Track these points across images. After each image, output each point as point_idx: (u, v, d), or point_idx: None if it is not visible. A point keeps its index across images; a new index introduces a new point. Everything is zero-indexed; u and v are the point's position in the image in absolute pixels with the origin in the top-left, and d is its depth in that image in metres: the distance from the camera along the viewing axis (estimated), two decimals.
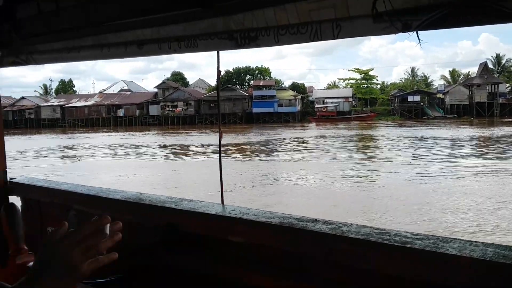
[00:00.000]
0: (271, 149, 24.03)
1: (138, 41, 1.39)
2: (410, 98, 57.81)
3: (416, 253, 0.91)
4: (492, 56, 69.58)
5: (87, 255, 0.71)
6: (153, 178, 14.68)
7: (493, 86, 55.67)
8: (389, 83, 76.53)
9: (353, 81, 63.73)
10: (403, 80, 77.09)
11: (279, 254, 1.14)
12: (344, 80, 66.21)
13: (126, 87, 74.19)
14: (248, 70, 71.03)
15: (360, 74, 63.02)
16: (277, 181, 13.63)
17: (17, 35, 1.71)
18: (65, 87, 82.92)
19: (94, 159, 21.49)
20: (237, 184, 12.69)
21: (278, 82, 70.29)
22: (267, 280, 1.16)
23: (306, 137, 33.28)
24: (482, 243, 0.91)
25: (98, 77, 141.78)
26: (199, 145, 27.44)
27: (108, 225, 0.75)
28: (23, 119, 62.26)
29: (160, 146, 27.89)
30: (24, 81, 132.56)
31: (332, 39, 1.00)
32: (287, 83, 72.46)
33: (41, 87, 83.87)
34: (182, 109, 60.22)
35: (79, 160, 20.53)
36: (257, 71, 71.55)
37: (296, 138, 32.10)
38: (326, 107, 60.36)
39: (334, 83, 78.74)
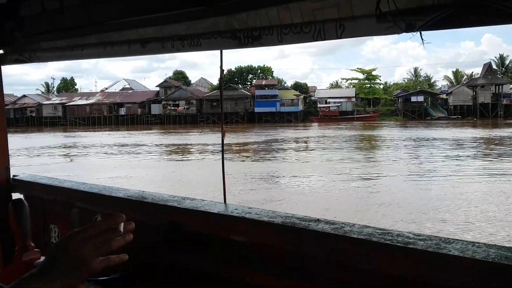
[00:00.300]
0: (271, 150, 23.88)
1: (141, 40, 1.39)
2: (413, 99, 57.65)
3: (418, 254, 0.91)
4: (495, 57, 69.42)
5: (98, 252, 0.72)
6: (148, 178, 14.46)
7: (497, 87, 55.44)
8: (391, 83, 76.41)
9: (356, 81, 63.59)
10: (406, 81, 76.91)
11: (281, 253, 1.14)
12: (347, 80, 66.10)
13: (128, 86, 74.27)
14: (250, 70, 71.03)
15: (363, 74, 62.90)
16: (275, 185, 13.37)
17: (20, 33, 1.72)
18: (67, 85, 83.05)
19: (89, 159, 21.40)
20: (232, 190, 12.29)
21: (280, 81, 70.22)
22: (269, 280, 1.16)
23: (308, 138, 33.20)
24: (484, 244, 0.91)
25: (101, 75, 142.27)
26: (197, 144, 27.37)
27: (122, 224, 0.75)
28: (24, 117, 62.21)
29: (157, 145, 27.73)
30: (27, 79, 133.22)
31: (335, 39, 1.00)
32: (289, 83, 72.46)
33: (43, 85, 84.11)
34: (184, 108, 60.24)
35: (70, 160, 20.42)
36: (259, 71, 71.52)
37: (297, 138, 32.02)
38: (329, 107, 60.29)
39: (337, 83, 78.64)
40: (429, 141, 27.12)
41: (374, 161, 18.40)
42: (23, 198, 1.44)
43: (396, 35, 0.91)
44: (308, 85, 70.49)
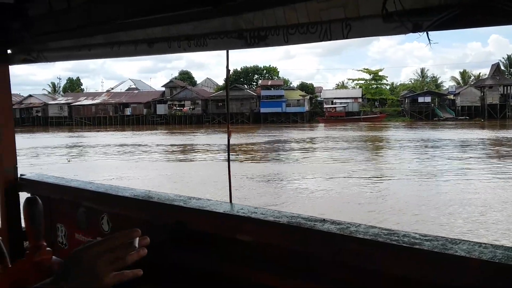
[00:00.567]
0: (276, 152, 23.70)
1: (148, 40, 1.40)
2: (420, 99, 57.31)
3: (424, 254, 0.91)
4: (503, 57, 68.63)
5: (113, 266, 0.72)
6: (148, 180, 14.37)
7: (505, 87, 54.84)
8: (398, 84, 75.94)
9: (362, 82, 63.28)
10: (413, 81, 76.39)
11: (286, 253, 1.14)
12: (354, 80, 65.82)
13: (133, 86, 74.62)
14: (256, 70, 71.04)
15: (370, 75, 62.60)
16: (279, 188, 13.20)
17: (28, 33, 1.74)
18: (73, 85, 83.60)
19: (88, 159, 21.47)
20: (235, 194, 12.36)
21: (286, 82, 70.16)
22: (274, 279, 1.16)
23: (314, 138, 33.00)
24: (491, 245, 0.91)
25: (107, 75, 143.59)
26: (201, 145, 27.30)
27: (137, 238, 0.76)
28: (30, 117, 62.57)
29: (159, 146, 27.67)
30: (34, 79, 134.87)
31: (341, 39, 0.99)
32: (295, 83, 72.42)
33: (50, 85, 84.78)
34: (190, 108, 60.44)
35: (68, 161, 20.42)
36: (265, 71, 71.50)
37: (303, 139, 31.83)
38: (335, 107, 60.13)
39: (343, 83, 78.46)
40: (440, 143, 26.62)
41: (383, 163, 18.05)
42: (37, 197, 1.44)
43: (402, 36, 0.91)
44: (314, 86, 70.25)
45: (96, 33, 1.55)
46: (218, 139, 32.81)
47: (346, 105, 59.79)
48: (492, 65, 58.48)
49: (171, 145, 28.49)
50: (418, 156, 20.55)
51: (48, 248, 1.38)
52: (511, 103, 53.47)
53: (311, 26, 1.03)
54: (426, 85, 70.39)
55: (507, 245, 0.90)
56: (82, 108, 63.12)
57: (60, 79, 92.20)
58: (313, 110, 62.03)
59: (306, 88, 65.73)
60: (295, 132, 40.35)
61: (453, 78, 73.55)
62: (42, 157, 22.04)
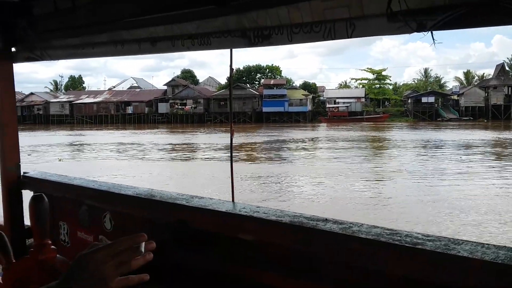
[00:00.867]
0: (277, 152, 23.40)
1: (152, 38, 1.40)
2: (424, 99, 57.06)
3: (427, 254, 0.91)
4: (507, 58, 68.31)
5: (118, 271, 0.71)
6: (143, 180, 14.12)
7: (510, 88, 54.52)
8: (401, 84, 75.71)
9: (365, 81, 63.07)
10: (416, 81, 76.12)
11: (288, 253, 1.14)
12: (357, 80, 65.64)
13: (135, 84, 74.56)
14: (258, 69, 70.92)
15: (373, 74, 62.37)
16: (278, 191, 12.79)
17: (32, 31, 1.75)
18: (75, 83, 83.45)
19: (82, 158, 21.30)
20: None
21: (289, 81, 70.02)
22: (276, 279, 1.16)
23: (316, 139, 32.79)
24: (494, 245, 0.90)
25: (110, 74, 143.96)
26: (196, 144, 26.97)
27: (144, 243, 0.76)
28: (31, 114, 62.36)
29: (160, 145, 27.44)
30: (36, 77, 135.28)
31: (345, 38, 0.99)
32: (297, 83, 72.26)
33: (52, 83, 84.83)
34: (191, 107, 60.33)
35: (60, 160, 20.22)
36: (267, 70, 71.37)
37: (303, 139, 31.57)
38: (338, 107, 59.99)
39: (346, 83, 78.29)
40: (448, 146, 25.67)
41: (387, 168, 17.19)
42: (43, 195, 1.44)
43: (405, 35, 0.91)
44: (316, 85, 70.09)
45: (100, 31, 1.55)
46: (217, 138, 32.59)
47: (349, 105, 59.61)
48: (497, 65, 58.18)
49: (175, 144, 28.29)
50: (423, 163, 19.14)
51: (52, 247, 1.38)
52: None
53: (315, 25, 1.03)
54: (430, 85, 70.16)
55: (510, 246, 0.89)
56: (83, 106, 62.95)
57: (62, 77, 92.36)
58: (315, 109, 61.87)
59: (308, 87, 65.57)
60: (297, 132, 40.09)
61: (457, 79, 73.26)
62: (34, 154, 21.88)
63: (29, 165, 15.81)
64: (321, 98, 64.95)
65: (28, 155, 21.48)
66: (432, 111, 55.79)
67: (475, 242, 0.93)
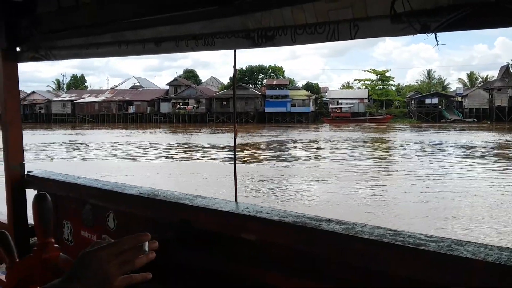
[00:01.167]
0: (280, 155, 23.04)
1: (156, 39, 1.41)
2: (428, 101, 56.86)
3: (429, 255, 0.91)
4: (511, 60, 67.90)
5: (122, 269, 0.72)
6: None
7: None
8: (404, 85, 75.49)
9: (368, 82, 62.88)
10: (419, 82, 75.89)
11: (291, 253, 1.14)
12: (360, 80, 65.46)
13: (137, 84, 74.55)
14: (261, 69, 70.87)
15: (376, 75, 62.19)
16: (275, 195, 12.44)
17: (36, 31, 1.76)
18: (77, 82, 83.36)
19: (75, 158, 21.18)
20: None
21: (291, 81, 69.89)
22: (280, 279, 1.16)
23: (319, 140, 32.52)
24: (497, 247, 0.90)
25: (113, 73, 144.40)
26: (193, 145, 26.67)
27: (147, 242, 0.76)
28: (33, 113, 62.26)
29: (152, 144, 27.13)
30: (39, 76, 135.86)
31: (349, 39, 0.99)
32: (300, 83, 72.10)
33: (54, 82, 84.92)
34: (194, 107, 60.29)
35: (51, 160, 19.98)
36: (270, 70, 71.30)
37: (302, 140, 31.19)
38: (341, 108, 59.86)
39: (348, 83, 78.10)
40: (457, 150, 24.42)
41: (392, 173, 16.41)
42: (47, 194, 1.45)
43: (408, 37, 0.91)
44: (319, 86, 69.93)
45: (104, 31, 1.56)
46: (216, 138, 32.32)
47: (352, 105, 59.47)
48: (501, 67, 57.92)
49: (176, 144, 28.18)
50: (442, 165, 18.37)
51: (56, 245, 1.39)
52: None
53: (319, 26, 1.03)
54: (433, 86, 69.94)
55: None
56: (85, 105, 62.78)
57: (64, 75, 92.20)
58: (318, 110, 61.75)
59: (311, 88, 65.45)
60: (299, 132, 39.86)
61: (460, 80, 72.97)
62: (26, 154, 21.67)
63: None
64: (324, 98, 64.82)
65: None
66: (436, 112, 55.58)
67: (478, 243, 0.93)
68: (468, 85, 68.62)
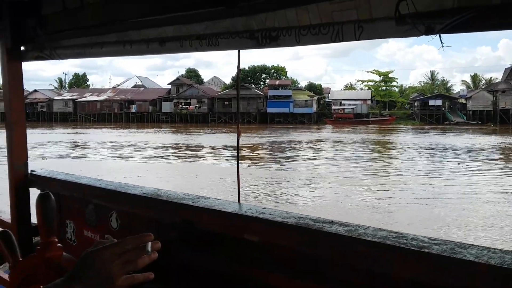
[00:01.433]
0: (281, 156, 22.75)
1: (160, 39, 1.41)
2: (431, 102, 56.65)
3: (432, 258, 0.90)
4: None
5: (125, 269, 0.72)
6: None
7: None
8: (407, 87, 75.31)
9: (372, 83, 62.72)
10: (422, 84, 75.68)
11: (294, 254, 1.14)
12: (363, 81, 65.31)
13: (139, 83, 74.48)
14: (264, 69, 70.78)
15: (380, 76, 62.01)
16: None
17: (41, 31, 1.77)
18: (79, 81, 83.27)
19: (67, 158, 21.03)
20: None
21: (294, 82, 69.78)
22: (282, 280, 1.16)
23: (321, 141, 32.19)
24: (500, 250, 0.90)
25: (115, 72, 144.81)
26: (190, 146, 26.21)
27: (150, 243, 0.77)
28: (35, 112, 61.93)
29: (148, 145, 26.83)
30: (43, 74, 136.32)
31: (353, 40, 0.99)
32: (303, 84, 71.97)
33: (56, 81, 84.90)
34: (196, 106, 60.22)
35: (43, 159, 19.85)
36: (273, 70, 71.21)
37: (302, 141, 30.75)
38: (343, 109, 59.75)
39: (351, 84, 77.98)
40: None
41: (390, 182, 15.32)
42: (50, 193, 1.45)
43: (411, 38, 0.91)
44: (322, 86, 69.80)
45: (108, 31, 1.56)
46: (215, 139, 31.97)
47: (354, 106, 59.34)
48: (506, 69, 57.64)
49: (176, 145, 28.03)
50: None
51: (59, 245, 1.39)
52: None
53: (323, 27, 1.03)
54: (436, 88, 69.74)
55: None
56: (87, 104, 62.61)
57: (66, 74, 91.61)
58: (320, 111, 61.66)
59: (314, 88, 65.28)
60: (300, 134, 39.51)
61: (464, 82, 72.74)
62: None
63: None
64: (327, 99, 64.69)
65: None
66: (439, 114, 55.39)
67: (481, 246, 0.93)
68: (472, 87, 68.39)
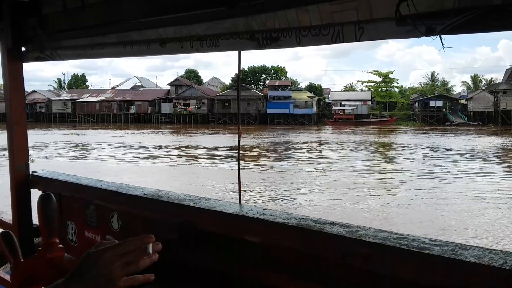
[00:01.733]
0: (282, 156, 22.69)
1: (161, 40, 1.41)
2: (432, 103, 56.45)
3: (434, 259, 0.90)
4: None
5: (126, 271, 0.72)
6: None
7: None
8: (407, 87, 75.30)
9: (372, 84, 62.66)
10: (422, 85, 75.69)
11: (295, 255, 1.14)
12: (363, 82, 65.25)
13: (139, 83, 74.23)
14: (263, 70, 70.65)
15: (380, 77, 61.95)
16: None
17: (42, 31, 1.77)
18: (78, 82, 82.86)
19: (60, 158, 20.83)
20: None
21: (294, 82, 69.66)
22: (283, 281, 1.16)
23: (320, 143, 31.89)
24: (501, 251, 0.90)
25: (115, 73, 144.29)
26: (196, 147, 26.04)
27: (151, 244, 0.77)
28: (33, 112, 61.17)
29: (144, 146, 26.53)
30: (42, 75, 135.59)
31: (354, 41, 1.00)
32: (303, 84, 71.81)
33: (56, 81, 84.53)
34: (195, 107, 59.99)
35: (32, 161, 19.79)
36: (272, 71, 71.13)
37: (300, 143, 30.51)
38: (344, 110, 59.63)
39: (351, 85, 77.98)
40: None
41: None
42: (51, 194, 1.45)
43: (411, 39, 0.91)
44: (322, 87, 69.74)
45: (109, 32, 1.56)
46: (213, 139, 31.54)
47: (355, 107, 59.20)
48: (507, 69, 57.51)
49: (175, 146, 27.82)
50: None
51: (60, 245, 1.39)
52: None
53: (324, 28, 1.03)
54: (436, 89, 69.71)
55: None
56: (86, 105, 62.02)
57: (65, 74, 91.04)
58: (321, 112, 61.55)
59: (314, 89, 65.14)
60: (299, 135, 39.29)
61: (464, 83, 72.64)
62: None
63: None
64: (327, 100, 64.60)
65: (3, 155, 20.93)
66: (440, 115, 55.23)
67: (482, 247, 0.93)
68: (472, 87, 68.35)
